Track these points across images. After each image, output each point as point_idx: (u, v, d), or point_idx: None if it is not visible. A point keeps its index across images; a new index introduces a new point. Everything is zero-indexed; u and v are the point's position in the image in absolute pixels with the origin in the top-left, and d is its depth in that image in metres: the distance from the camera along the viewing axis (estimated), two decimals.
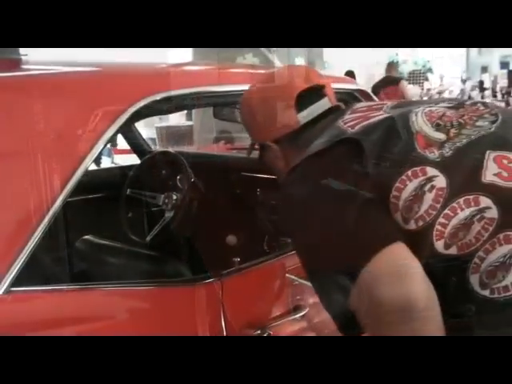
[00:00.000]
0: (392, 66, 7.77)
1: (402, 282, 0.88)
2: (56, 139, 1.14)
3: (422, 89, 14.83)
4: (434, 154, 1.01)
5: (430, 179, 0.98)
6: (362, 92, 2.07)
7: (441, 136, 1.04)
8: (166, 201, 2.14)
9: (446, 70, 16.85)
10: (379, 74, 7.83)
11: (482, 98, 13.49)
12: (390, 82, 7.06)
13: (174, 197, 2.13)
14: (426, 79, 16.37)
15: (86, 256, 1.83)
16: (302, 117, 1.24)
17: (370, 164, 1.01)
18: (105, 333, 1.11)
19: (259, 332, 1.33)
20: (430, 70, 17.54)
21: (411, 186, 0.98)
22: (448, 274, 0.95)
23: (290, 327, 1.39)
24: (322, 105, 1.27)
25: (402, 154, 1.03)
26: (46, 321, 1.05)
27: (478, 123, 1.07)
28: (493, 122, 1.07)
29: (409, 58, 17.07)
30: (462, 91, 14.70)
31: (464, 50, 16.93)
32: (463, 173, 0.98)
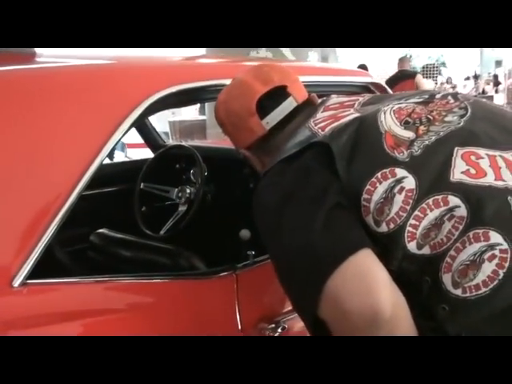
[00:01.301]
0: (404, 60, 7.71)
1: (366, 291, 0.88)
2: (71, 132, 1.14)
3: (436, 83, 14.74)
4: (402, 154, 0.99)
5: (399, 181, 0.97)
6: (377, 85, 2.06)
7: (409, 134, 1.03)
8: (180, 194, 2.15)
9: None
10: (393, 69, 7.78)
11: (496, 92, 13.42)
12: (406, 76, 7.00)
13: (188, 190, 2.14)
14: (440, 73, 16.25)
15: (101, 249, 1.83)
16: (266, 122, 1.22)
17: (340, 167, 1.00)
18: (119, 325, 1.11)
19: (274, 325, 1.33)
20: (443, 63, 17.44)
21: (381, 188, 0.97)
22: (422, 275, 0.94)
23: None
24: (286, 106, 1.24)
25: (371, 156, 1.01)
26: (61, 313, 1.06)
27: (446, 118, 1.05)
28: (462, 116, 1.05)
29: (422, 52, 16.97)
30: (476, 86, 14.60)
31: None
32: (432, 173, 0.97)
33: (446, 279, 0.91)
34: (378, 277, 0.89)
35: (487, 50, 16.90)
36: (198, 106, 9.23)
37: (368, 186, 0.98)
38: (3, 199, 1.03)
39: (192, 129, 7.78)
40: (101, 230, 1.87)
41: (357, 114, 1.11)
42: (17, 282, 1.01)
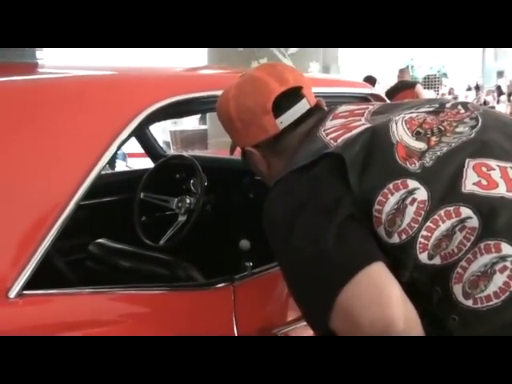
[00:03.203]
0: (404, 71, 7.78)
1: (379, 304, 0.88)
2: (69, 141, 1.14)
3: (438, 93, 14.77)
4: (414, 165, 1.00)
5: (411, 192, 0.97)
6: (377, 96, 2.06)
7: (421, 145, 1.03)
8: (180, 204, 2.14)
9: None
10: (396, 80, 7.83)
11: (498, 102, 13.46)
12: (406, 87, 7.05)
13: (188, 200, 2.13)
14: (441, 84, 16.29)
15: (99, 259, 1.83)
16: (280, 122, 1.20)
17: (352, 178, 1.00)
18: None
19: None
20: (445, 74, 17.47)
21: (393, 199, 0.97)
22: (432, 285, 0.94)
23: (303, 333, 1.37)
24: (301, 107, 1.22)
25: (382, 167, 1.01)
26: (58, 324, 1.05)
27: (457, 129, 1.05)
28: (473, 127, 1.05)
29: (423, 62, 17.01)
30: (478, 97, 14.64)
31: (480, 54, 16.84)
32: (443, 184, 0.97)
33: (457, 290, 0.92)
34: (391, 290, 0.89)
35: (489, 61, 16.93)
36: (200, 115, 9.25)
37: (380, 197, 0.98)
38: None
39: (193, 138, 7.80)
40: (99, 240, 1.86)
41: (368, 124, 1.10)
42: (13, 293, 1.00)
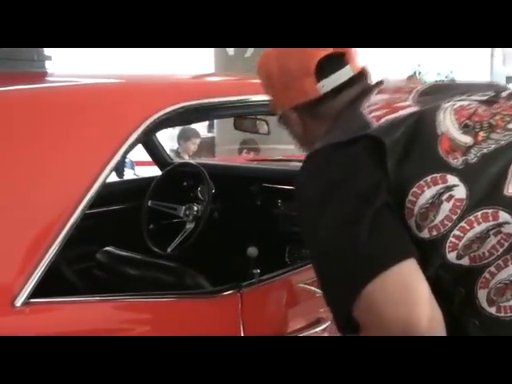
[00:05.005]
0: (412, 78, 7.87)
1: (404, 302, 0.85)
2: (75, 149, 1.14)
3: None
4: (457, 160, 0.94)
5: (449, 188, 0.92)
6: None
7: (467, 140, 0.97)
8: (187, 212, 2.15)
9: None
10: None
11: None
12: None
13: (195, 208, 2.14)
14: None
15: (107, 267, 1.83)
16: (321, 86, 1.15)
17: (390, 165, 0.95)
18: None
19: None
20: (453, 80, 17.42)
21: (428, 192, 0.92)
22: (456, 285, 0.91)
23: None
24: (344, 74, 1.17)
25: (423, 158, 0.96)
26: (65, 332, 1.05)
27: (510, 125, 0.99)
28: None
29: (431, 68, 17.00)
30: None
31: (488, 59, 16.80)
32: (485, 184, 0.93)
33: (481, 295, 0.89)
34: (419, 289, 0.86)
35: (497, 66, 16.87)
36: (207, 123, 9.28)
37: (415, 189, 0.93)
38: (5, 216, 1.03)
39: (201, 146, 7.81)
40: (107, 248, 1.86)
41: (415, 108, 1.04)
42: (19, 302, 1.00)
